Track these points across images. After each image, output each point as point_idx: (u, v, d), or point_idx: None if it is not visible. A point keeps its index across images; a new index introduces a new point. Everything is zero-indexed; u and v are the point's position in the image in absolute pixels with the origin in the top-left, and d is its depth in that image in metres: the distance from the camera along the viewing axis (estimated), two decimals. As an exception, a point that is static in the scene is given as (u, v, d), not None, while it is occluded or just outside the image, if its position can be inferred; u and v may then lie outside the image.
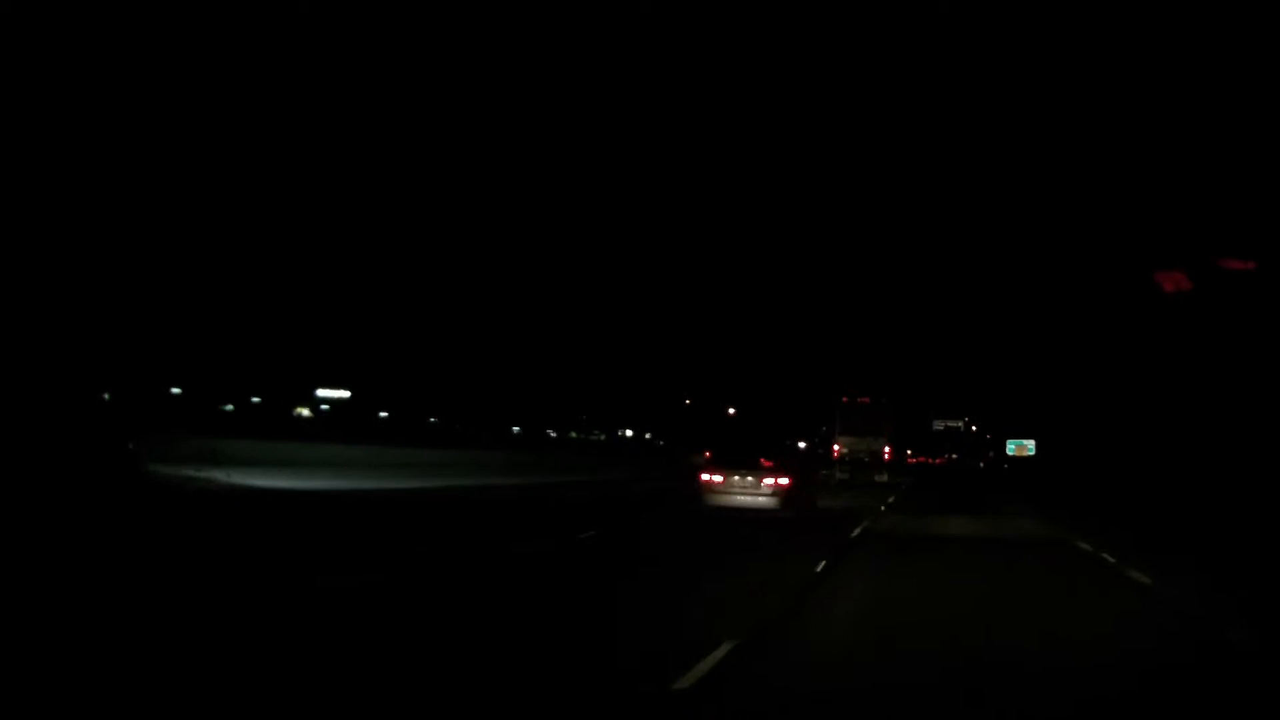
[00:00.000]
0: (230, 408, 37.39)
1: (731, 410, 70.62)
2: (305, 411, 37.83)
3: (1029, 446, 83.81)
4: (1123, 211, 37.13)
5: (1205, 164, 31.70)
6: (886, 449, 45.45)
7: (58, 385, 17.00)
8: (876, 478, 44.03)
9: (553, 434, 65.70)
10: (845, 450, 45.78)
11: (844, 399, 47.01)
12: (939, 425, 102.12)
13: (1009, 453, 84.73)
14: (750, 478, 18.21)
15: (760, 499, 18.08)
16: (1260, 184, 29.76)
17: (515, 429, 59.51)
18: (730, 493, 18.29)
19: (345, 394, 36.15)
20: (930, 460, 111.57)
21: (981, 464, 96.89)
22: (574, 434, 68.86)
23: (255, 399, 39.01)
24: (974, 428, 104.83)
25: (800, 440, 68.51)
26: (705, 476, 18.67)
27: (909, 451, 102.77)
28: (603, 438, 72.00)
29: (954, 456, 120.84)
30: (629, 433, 76.71)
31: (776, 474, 18.14)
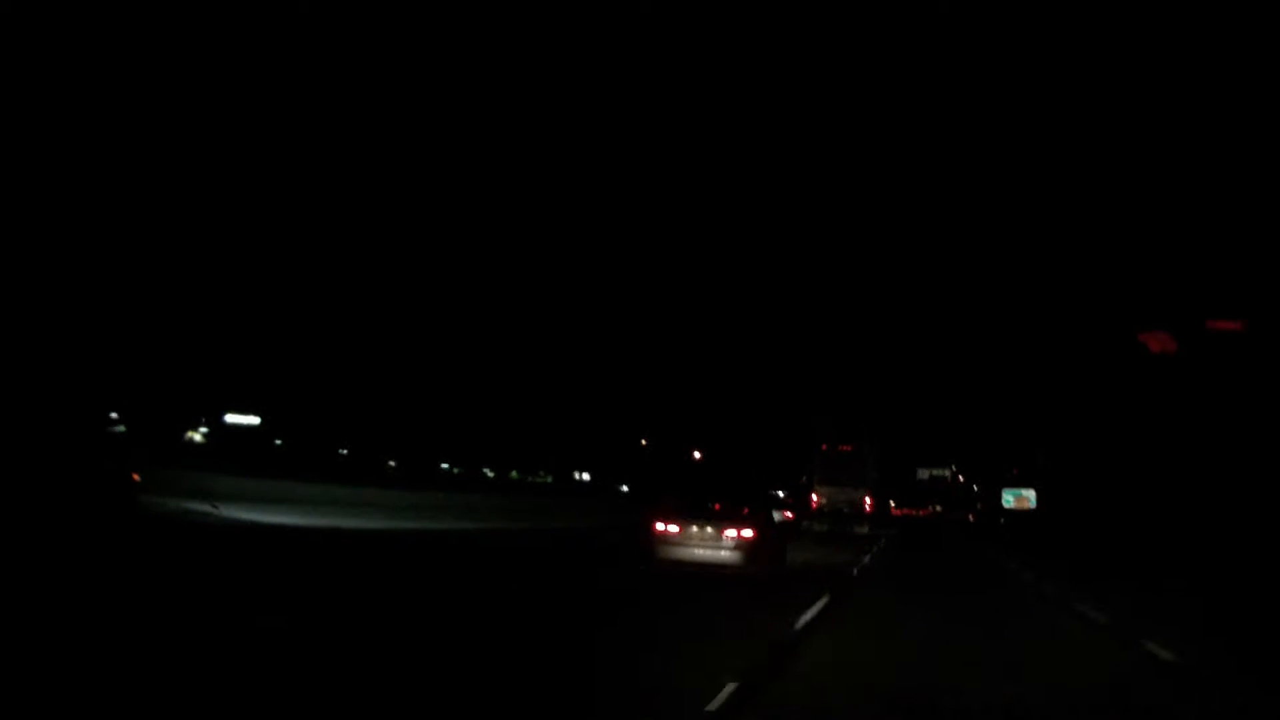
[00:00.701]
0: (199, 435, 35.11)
1: (697, 454, 66.77)
2: (197, 436, 34.67)
3: (1029, 498, 74.00)
4: (1110, 270, 38.35)
5: (1193, 225, 32.17)
6: (868, 499, 43.17)
7: (66, 412, 16.62)
8: (857, 529, 41.81)
9: (489, 473, 59.75)
10: (824, 500, 43.55)
11: (823, 445, 44.65)
12: (924, 474, 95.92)
13: (1006, 505, 75.13)
14: (710, 529, 15.90)
15: (722, 553, 15.78)
16: (1248, 245, 29.86)
17: (444, 465, 53.95)
18: (687, 546, 15.99)
19: (254, 420, 33.13)
20: (915, 512, 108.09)
21: (971, 517, 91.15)
22: (515, 474, 62.81)
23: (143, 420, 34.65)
24: (960, 477, 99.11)
25: (779, 489, 66.06)
26: (660, 527, 16.34)
27: (892, 503, 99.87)
28: (549, 480, 66.04)
29: (938, 509, 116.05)
30: (585, 476, 70.96)
31: (740, 524, 15.82)
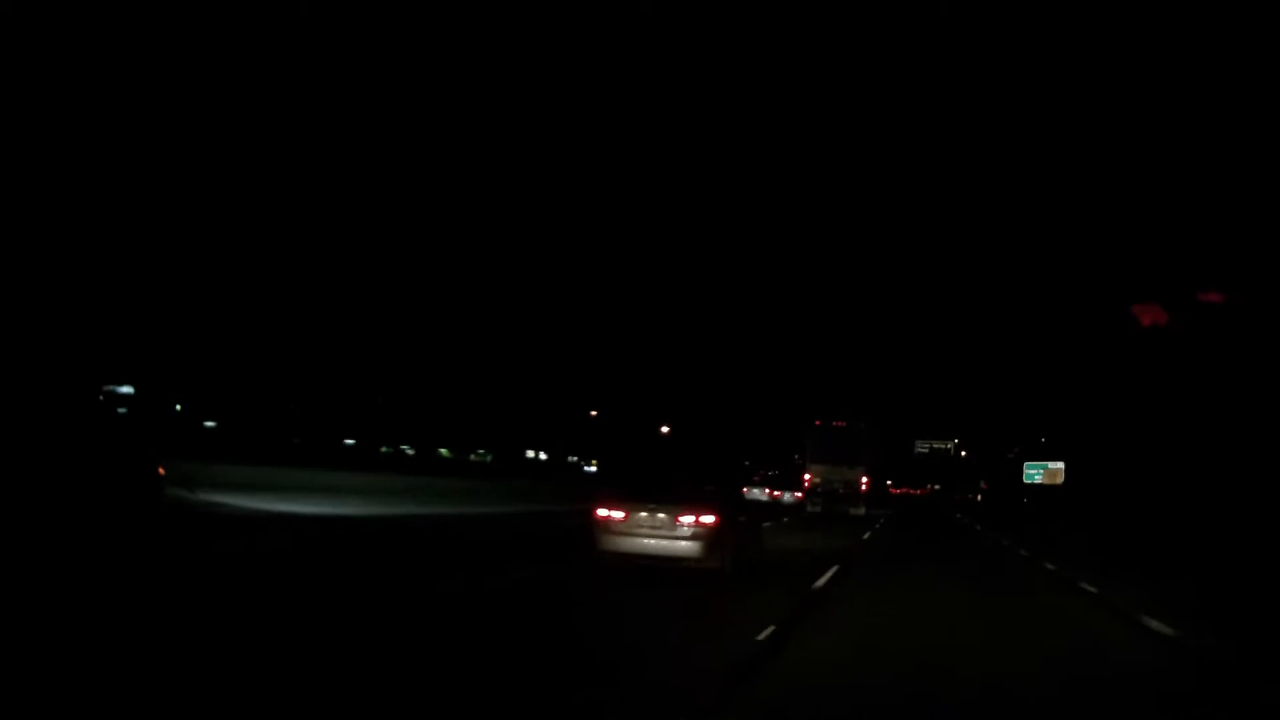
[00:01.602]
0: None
1: (664, 429, 61.88)
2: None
3: (1059, 472, 60.51)
4: (1102, 244, 38.65)
5: (1183, 199, 32.66)
6: (864, 479, 40.50)
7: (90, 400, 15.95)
8: (852, 510, 39.41)
9: (408, 450, 51.48)
10: (818, 480, 41.07)
11: (816, 422, 41.90)
12: (923, 447, 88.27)
13: (1030, 480, 62.92)
14: (662, 514, 13.04)
15: (676, 543, 12.95)
16: (1237, 216, 30.48)
17: (349, 442, 46.16)
18: (634, 535, 13.14)
19: (128, 389, 29.63)
20: (913, 491, 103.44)
21: (977, 496, 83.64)
22: (444, 451, 54.66)
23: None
24: (963, 452, 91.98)
25: (772, 469, 63.03)
26: (602, 512, 13.44)
27: (889, 482, 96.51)
28: (489, 458, 57.68)
29: (935, 487, 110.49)
30: (540, 455, 63.15)
31: (699, 507, 12.90)
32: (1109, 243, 39.63)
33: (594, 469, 63.30)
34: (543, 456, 61.88)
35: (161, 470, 13.51)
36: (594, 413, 58.14)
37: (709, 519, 13.08)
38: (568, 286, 49.65)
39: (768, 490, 56.97)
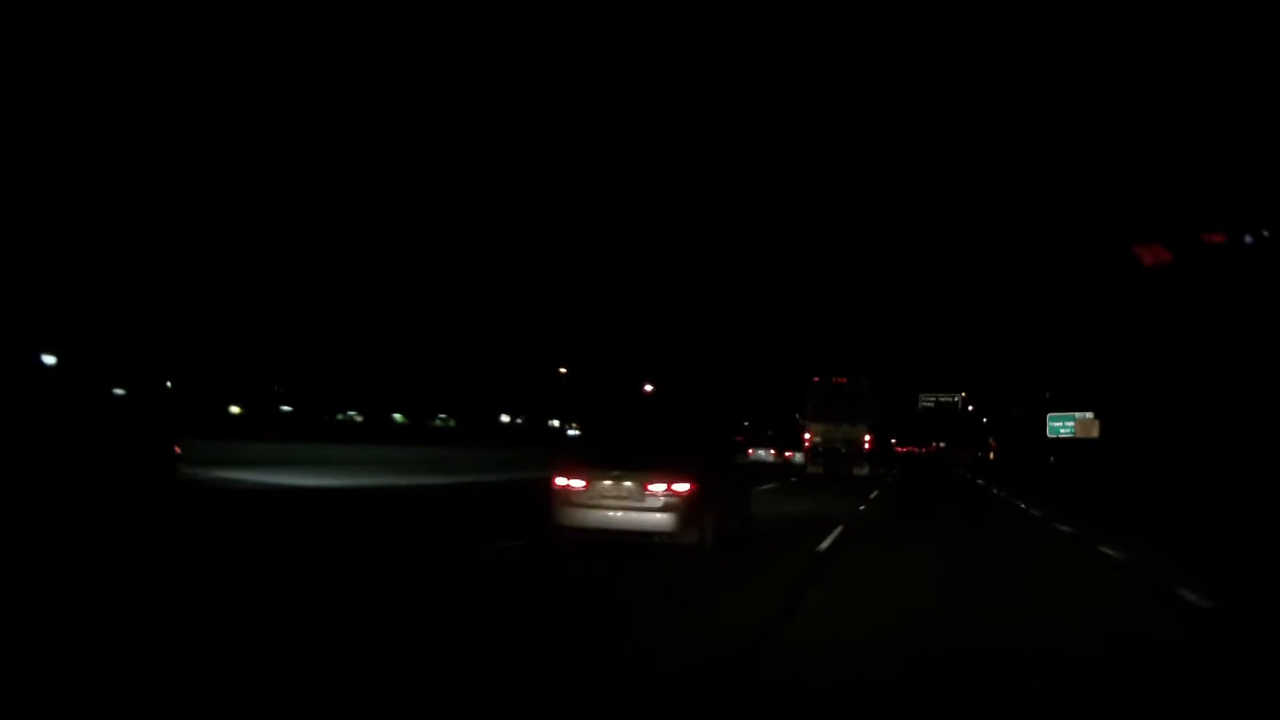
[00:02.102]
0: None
1: (648, 387, 58.67)
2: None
3: (1093, 425, 50.16)
4: (1104, 184, 38.13)
5: (1185, 140, 32.65)
6: (867, 437, 38.85)
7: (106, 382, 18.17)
8: (856, 470, 37.88)
9: (356, 417, 47.06)
10: (818, 439, 39.43)
11: (815, 379, 40.07)
12: (928, 401, 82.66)
13: (1055, 434, 52.75)
14: (629, 482, 11.17)
15: (646, 515, 11.10)
16: (1241, 156, 30.39)
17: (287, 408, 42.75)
18: (597, 507, 11.28)
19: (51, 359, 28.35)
20: (918, 450, 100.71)
21: (989, 454, 77.37)
22: (398, 417, 50.11)
23: None
24: (970, 407, 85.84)
25: (770, 429, 60.84)
26: (560, 481, 11.54)
27: (894, 440, 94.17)
28: (452, 423, 53.31)
29: (941, 445, 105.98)
30: (514, 419, 58.43)
31: (671, 473, 11.00)
32: (1111, 182, 39.40)
33: (577, 433, 60.14)
34: (518, 421, 58.00)
35: (178, 449, 14.44)
36: (562, 370, 54.18)
37: (683, 487, 11.19)
38: (538, 232, 47.03)
39: (773, 451, 55.14)
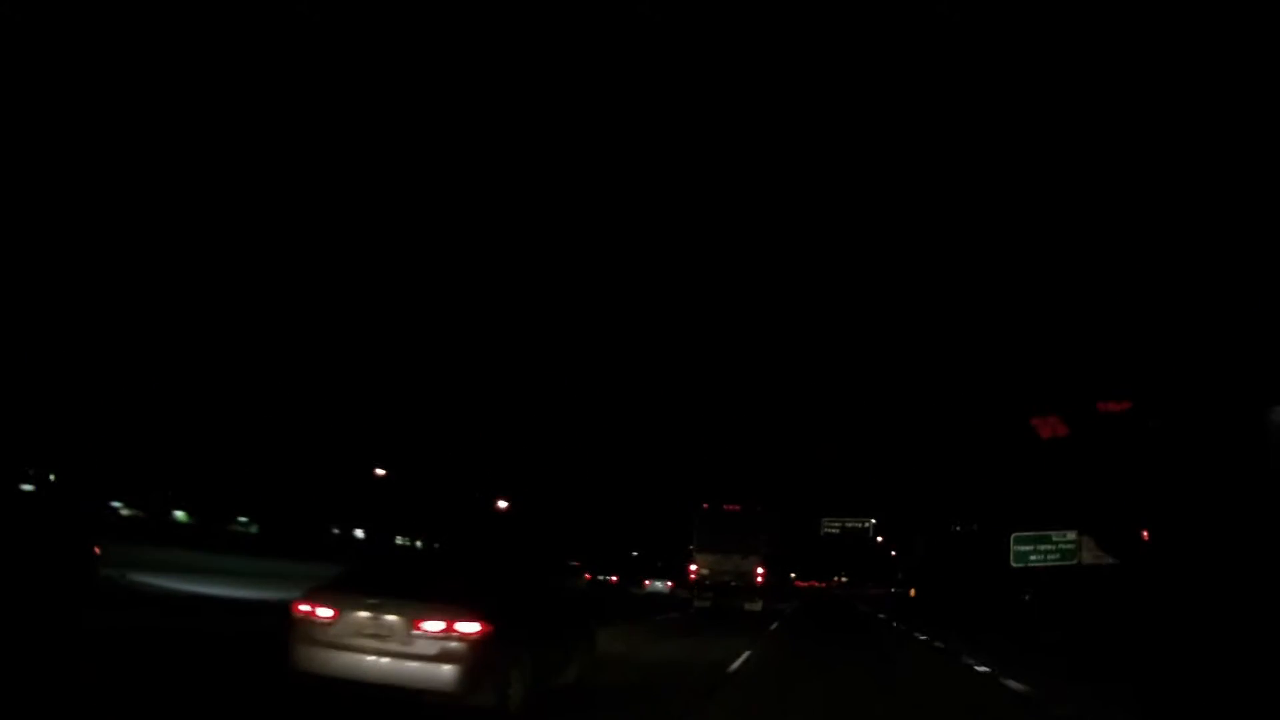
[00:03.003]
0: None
1: (502, 504, 53.93)
2: None
3: (1090, 545, 33.73)
4: (1005, 353, 38.17)
5: (1081, 312, 32.79)
6: (760, 570, 35.54)
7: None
8: (747, 606, 34.51)
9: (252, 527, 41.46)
10: (705, 571, 36.42)
11: (705, 505, 37.12)
12: (832, 527, 70.44)
13: (1025, 563, 34.08)
14: (392, 617, 7.74)
15: (416, 665, 7.66)
16: (1137, 328, 30.69)
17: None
18: (349, 648, 7.80)
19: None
20: (819, 584, 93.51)
21: (911, 590, 64.71)
22: (181, 515, 39.95)
23: None
24: (879, 539, 74.31)
25: (658, 560, 57.44)
26: (304, 608, 8.09)
27: (793, 575, 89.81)
28: (253, 528, 43.52)
29: (842, 580, 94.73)
30: (356, 531, 50.92)
31: (454, 610, 7.70)
32: (1011, 353, 37.89)
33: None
34: (356, 533, 51.13)
35: (98, 550, 14.43)
36: (380, 471, 48.71)
37: (470, 627, 7.89)
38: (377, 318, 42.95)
39: (670, 583, 53.09)
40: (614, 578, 72.31)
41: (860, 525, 69.06)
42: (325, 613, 8.19)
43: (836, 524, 70.16)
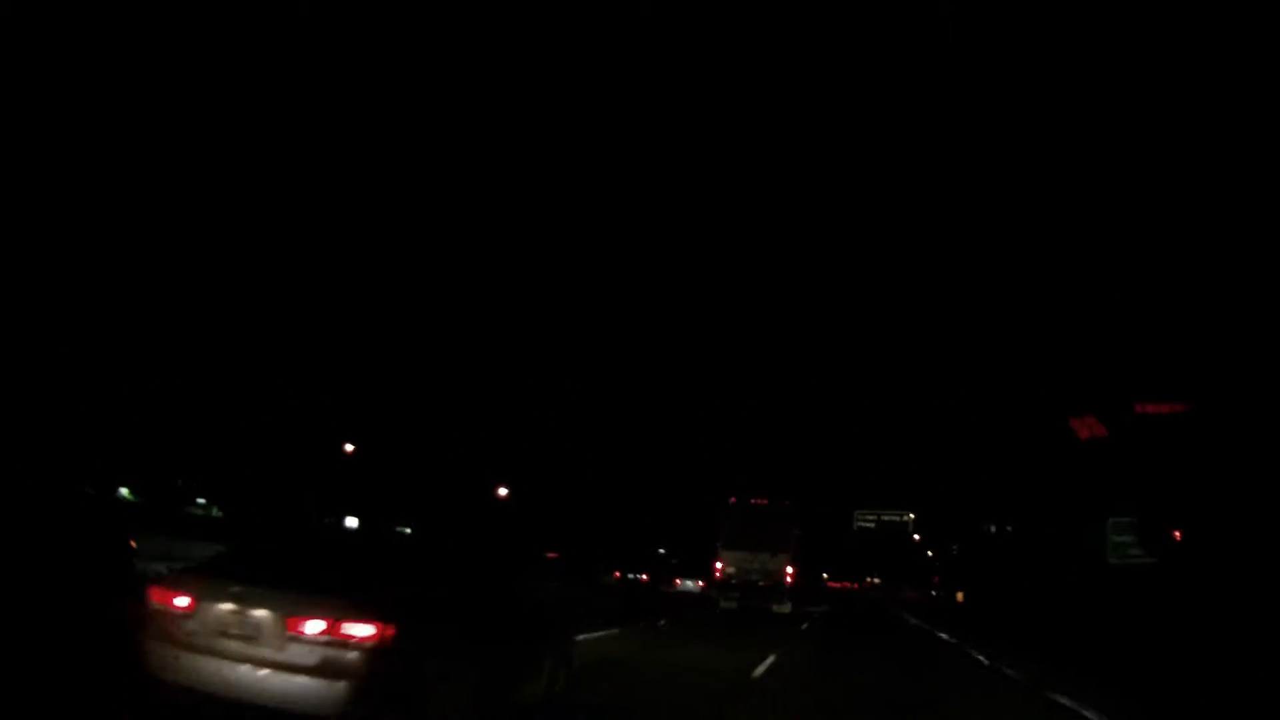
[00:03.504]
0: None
1: (502, 490, 51.50)
2: None
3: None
4: (1043, 353, 38.37)
5: (1124, 311, 32.95)
6: (789, 569, 33.24)
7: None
8: (775, 607, 32.33)
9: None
10: (731, 569, 34.37)
11: (732, 499, 34.92)
12: (867, 520, 61.22)
13: (1120, 558, 31.68)
14: (260, 612, 5.56)
15: (288, 679, 5.39)
16: (1181, 328, 30.50)
17: None
18: (208, 650, 5.60)
19: None
20: (852, 584, 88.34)
21: (960, 596, 56.94)
22: (126, 492, 36.96)
23: None
24: (916, 536, 65.84)
25: (677, 557, 55.28)
26: (157, 595, 5.92)
27: (825, 575, 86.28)
28: (215, 511, 40.20)
29: (874, 581, 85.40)
30: (352, 521, 47.67)
31: (342, 607, 5.51)
32: (1048, 354, 38.47)
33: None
34: (351, 522, 48.61)
35: (133, 543, 14.85)
36: (349, 447, 46.07)
37: (362, 630, 5.77)
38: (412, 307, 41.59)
39: (701, 583, 51.58)
40: (644, 576, 70.94)
41: (898, 518, 62.01)
42: (181, 602, 6.14)
43: (871, 517, 64.29)
